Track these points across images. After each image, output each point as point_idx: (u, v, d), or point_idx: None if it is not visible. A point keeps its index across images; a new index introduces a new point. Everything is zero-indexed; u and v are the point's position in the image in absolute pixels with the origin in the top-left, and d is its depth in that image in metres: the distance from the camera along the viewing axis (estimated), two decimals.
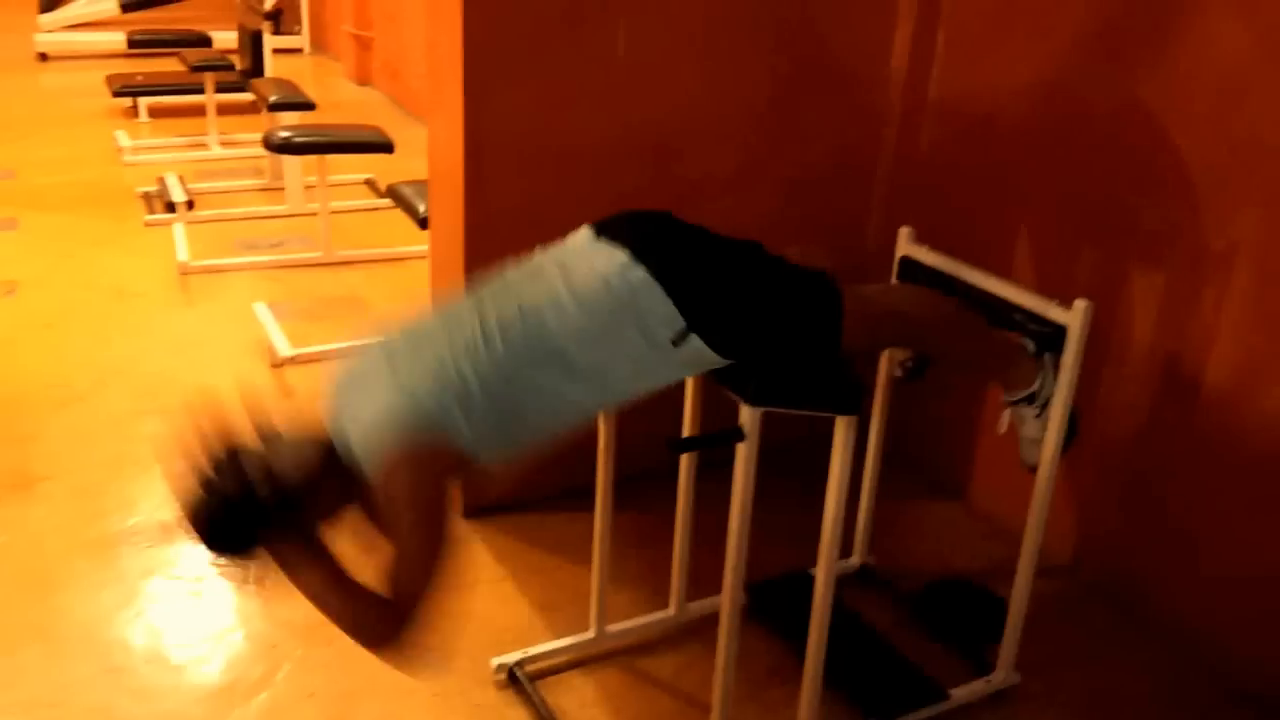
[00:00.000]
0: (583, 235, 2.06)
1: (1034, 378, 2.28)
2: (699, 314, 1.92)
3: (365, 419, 1.87)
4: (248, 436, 1.84)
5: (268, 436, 1.87)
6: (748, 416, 2.02)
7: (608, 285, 1.92)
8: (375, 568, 1.79)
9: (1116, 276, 2.69)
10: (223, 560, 1.78)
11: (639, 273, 1.92)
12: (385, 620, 1.78)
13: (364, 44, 8.81)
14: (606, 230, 2.03)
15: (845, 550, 2.77)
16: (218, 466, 1.78)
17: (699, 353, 1.95)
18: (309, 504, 1.84)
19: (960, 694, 2.44)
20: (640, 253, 1.94)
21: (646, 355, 1.93)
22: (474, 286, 2.02)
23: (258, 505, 1.76)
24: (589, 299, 1.91)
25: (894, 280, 2.56)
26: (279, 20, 9.85)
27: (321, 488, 1.85)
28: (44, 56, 9.25)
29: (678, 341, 1.92)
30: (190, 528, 1.80)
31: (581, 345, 1.89)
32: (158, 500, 3.12)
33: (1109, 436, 2.73)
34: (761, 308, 2.03)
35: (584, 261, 1.98)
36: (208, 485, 1.77)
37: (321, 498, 1.86)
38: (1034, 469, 2.32)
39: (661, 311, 1.91)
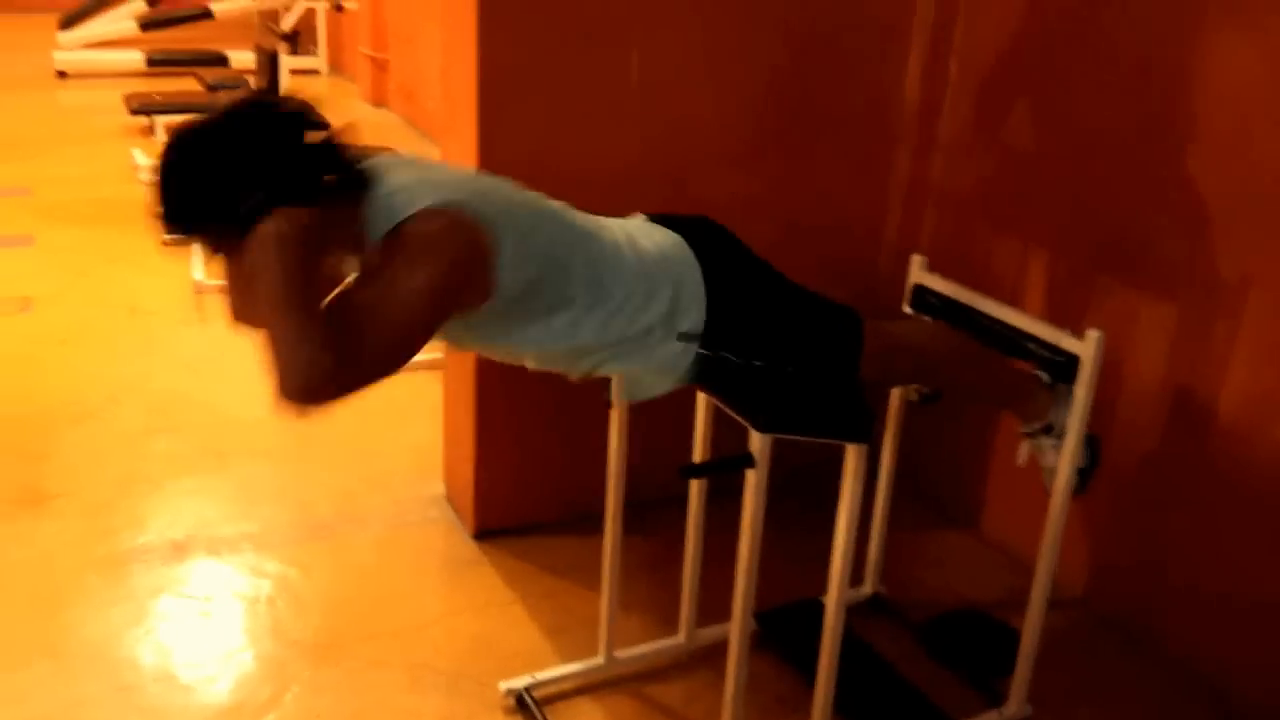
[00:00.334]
0: (638, 217, 2.13)
1: (1049, 409, 2.28)
2: (717, 326, 1.96)
3: (419, 177, 1.81)
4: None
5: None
6: (758, 443, 2.01)
7: (664, 251, 2.00)
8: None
9: (1129, 307, 2.69)
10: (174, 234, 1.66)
11: (690, 258, 2.00)
12: (321, 361, 1.62)
13: (380, 65, 8.87)
14: (660, 219, 2.11)
15: (856, 578, 2.76)
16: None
17: (682, 362, 2.00)
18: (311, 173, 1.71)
19: None
20: (694, 243, 2.03)
21: (654, 329, 1.96)
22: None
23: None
24: (647, 250, 1.99)
25: (906, 309, 2.56)
26: (296, 41, 9.98)
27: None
28: (62, 74, 9.34)
29: (685, 337, 1.97)
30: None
31: (618, 270, 1.93)
32: (169, 519, 3.13)
33: (1122, 468, 2.72)
34: (787, 332, 2.07)
35: (646, 230, 2.06)
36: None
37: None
38: None
39: (691, 301, 1.97)
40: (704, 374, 2.04)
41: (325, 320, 1.65)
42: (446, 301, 1.76)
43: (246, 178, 1.66)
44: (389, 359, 1.72)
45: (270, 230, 1.63)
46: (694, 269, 1.99)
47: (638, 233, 2.04)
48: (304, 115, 1.75)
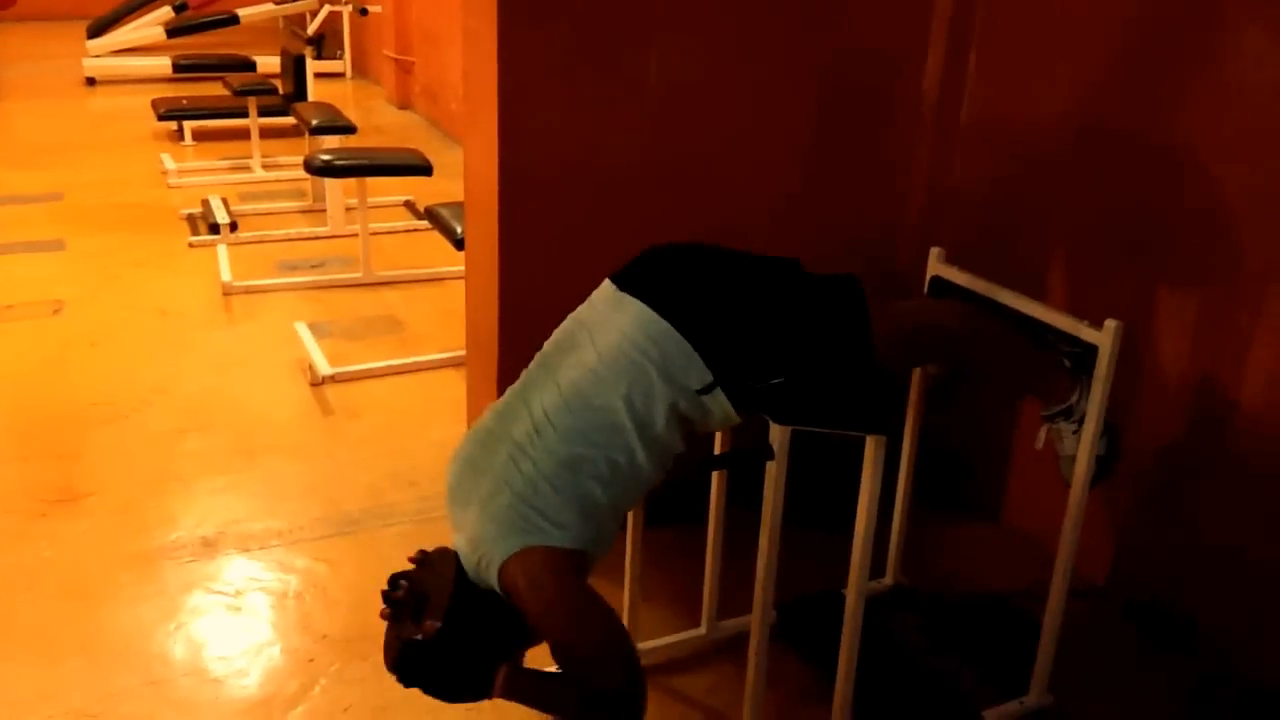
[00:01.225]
0: (606, 291, 2.08)
1: (1071, 392, 2.27)
2: (724, 368, 1.95)
3: (463, 545, 1.95)
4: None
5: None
6: (776, 435, 2.03)
7: (633, 343, 1.95)
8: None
9: (1150, 297, 2.69)
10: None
11: (661, 325, 1.95)
12: (613, 707, 1.87)
13: (404, 68, 8.92)
14: (627, 282, 2.06)
15: (877, 570, 2.77)
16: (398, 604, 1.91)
17: (724, 406, 1.97)
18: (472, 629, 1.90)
19: (993, 715, 2.43)
20: (661, 305, 1.97)
21: (678, 404, 1.94)
22: (522, 373, 2.07)
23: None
24: (618, 360, 1.94)
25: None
26: (321, 45, 10.05)
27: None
28: (91, 81, 9.44)
29: (704, 391, 1.95)
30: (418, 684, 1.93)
31: (621, 408, 1.91)
32: (199, 516, 3.17)
33: (1143, 456, 2.72)
34: (789, 348, 2.03)
35: (609, 320, 2.01)
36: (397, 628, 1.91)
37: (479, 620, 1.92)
38: None
39: (687, 362, 1.94)
40: (750, 405, 2.03)
41: (574, 689, 1.88)
42: (576, 597, 1.88)
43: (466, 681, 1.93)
44: (620, 658, 1.89)
45: (501, 687, 1.90)
46: (670, 336, 1.94)
47: (605, 329, 2.00)
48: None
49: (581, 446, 1.90)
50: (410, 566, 1.98)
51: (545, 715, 1.97)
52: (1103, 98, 2.76)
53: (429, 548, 2.00)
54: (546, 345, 2.07)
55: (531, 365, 2.06)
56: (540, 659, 1.97)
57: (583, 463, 1.89)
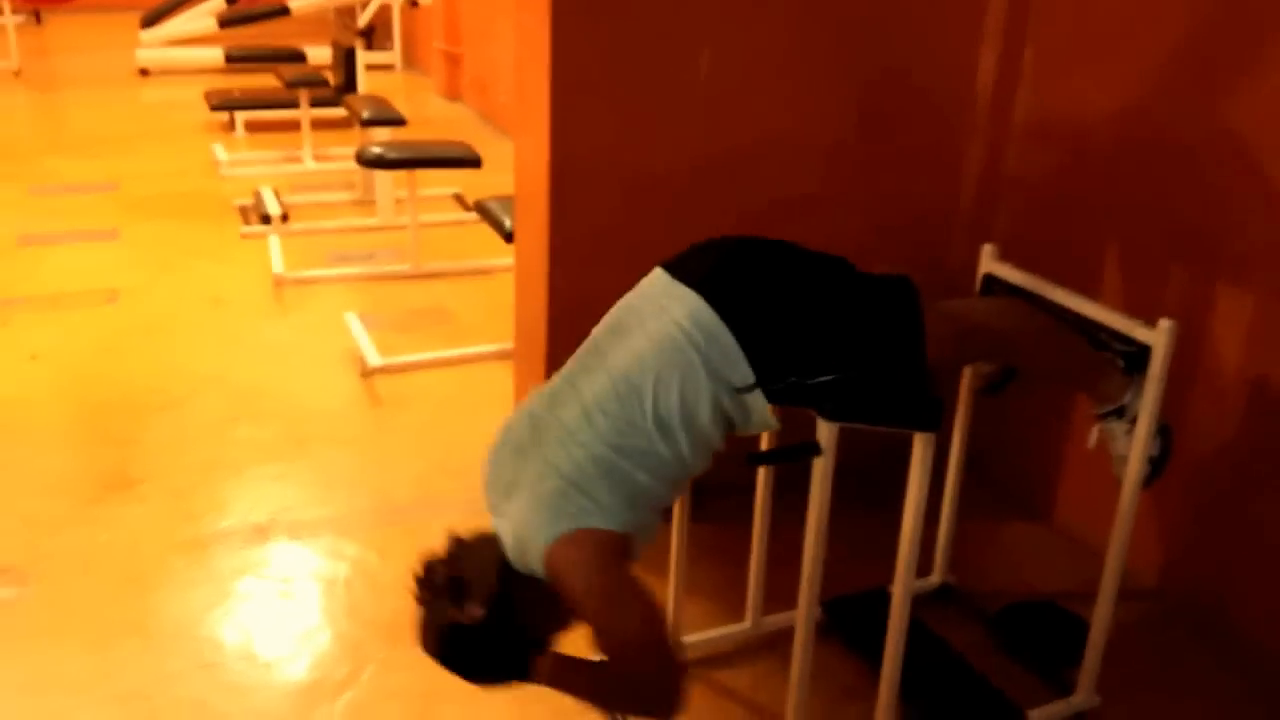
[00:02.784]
0: (657, 277, 2.08)
1: (1124, 391, 2.25)
2: (768, 369, 1.95)
3: (505, 528, 1.96)
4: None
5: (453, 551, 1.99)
6: (824, 431, 2.03)
7: (684, 331, 1.94)
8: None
9: (1205, 297, 2.66)
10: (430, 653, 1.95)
11: (712, 318, 1.95)
12: (649, 694, 1.87)
13: (454, 60, 8.97)
14: (681, 270, 2.06)
15: (925, 568, 2.76)
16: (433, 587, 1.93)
17: (762, 409, 1.98)
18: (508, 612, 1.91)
19: (1038, 715, 2.42)
20: (714, 297, 1.97)
21: (721, 399, 1.94)
22: (570, 358, 2.07)
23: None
24: (666, 348, 1.94)
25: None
26: (372, 37, 10.12)
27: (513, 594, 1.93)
28: (144, 72, 9.56)
29: (744, 390, 1.95)
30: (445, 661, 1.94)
31: (668, 397, 1.91)
32: (250, 503, 3.22)
33: (1196, 457, 2.69)
34: (841, 346, 2.02)
35: (659, 308, 2.00)
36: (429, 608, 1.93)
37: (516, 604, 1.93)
38: None
39: (732, 359, 1.93)
40: (787, 399, 2.02)
41: (613, 675, 1.87)
42: (631, 584, 1.88)
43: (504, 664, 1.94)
44: (656, 644, 1.88)
45: (541, 673, 1.93)
46: (720, 329, 1.94)
47: (655, 316, 1.99)
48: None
49: (630, 435, 1.91)
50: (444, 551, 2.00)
51: (585, 702, 1.98)
52: (1159, 95, 2.73)
53: (465, 533, 2.02)
54: (596, 330, 2.08)
55: (580, 350, 2.07)
56: (579, 648, 1.98)
57: (631, 451, 1.90)
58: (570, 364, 2.06)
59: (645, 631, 1.86)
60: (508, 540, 1.94)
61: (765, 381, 1.95)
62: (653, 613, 1.88)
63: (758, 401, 1.96)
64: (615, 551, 1.87)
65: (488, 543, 1.97)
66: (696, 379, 1.92)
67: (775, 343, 1.97)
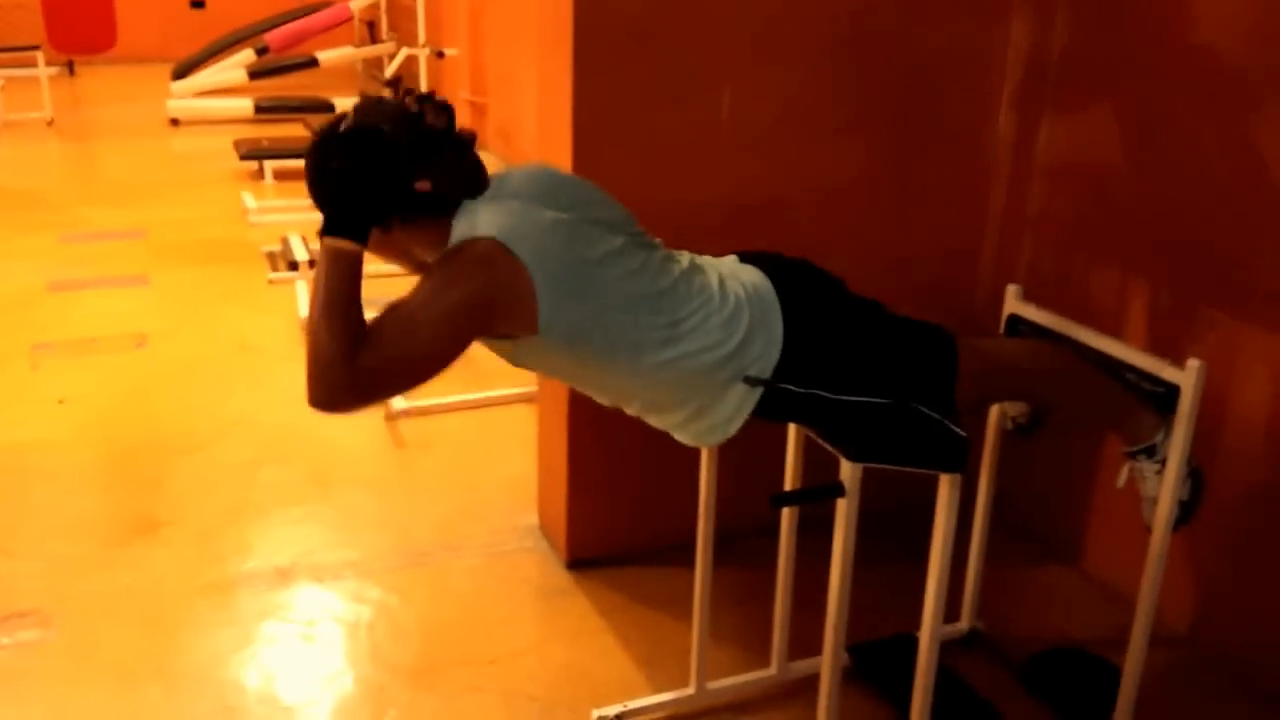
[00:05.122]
0: (730, 257, 2.17)
1: (1155, 431, 2.23)
2: (794, 372, 1.97)
3: (503, 208, 1.90)
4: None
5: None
6: (848, 472, 2.02)
7: (747, 292, 2.01)
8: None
9: (1234, 337, 2.63)
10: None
11: (772, 296, 2.01)
12: (343, 364, 1.73)
13: (479, 109, 9.05)
14: (751, 258, 2.14)
15: (953, 613, 2.72)
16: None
17: (735, 409, 2.00)
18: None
19: None
20: (779, 284, 2.04)
21: (722, 367, 1.96)
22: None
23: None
24: (732, 290, 2.00)
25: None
26: (399, 87, 10.21)
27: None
28: (175, 121, 9.68)
29: (749, 381, 1.96)
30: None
31: (700, 310, 1.95)
32: (274, 546, 3.22)
33: (1229, 501, 2.65)
34: (874, 366, 2.05)
35: (731, 270, 2.09)
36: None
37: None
38: None
39: (768, 342, 1.97)
40: (786, 412, 2.05)
41: (353, 330, 1.76)
42: (469, 324, 1.82)
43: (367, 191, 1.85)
44: (408, 370, 1.79)
45: (331, 244, 1.80)
46: (775, 310, 2.00)
47: (728, 273, 2.07)
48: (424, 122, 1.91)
49: (674, 303, 1.95)
50: None
51: (322, 297, 1.81)
52: (1182, 132, 2.73)
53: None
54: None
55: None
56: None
57: (658, 304, 1.94)
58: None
59: (413, 349, 1.78)
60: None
61: (782, 379, 1.96)
62: (435, 362, 1.79)
63: (745, 400, 1.98)
64: (499, 284, 1.81)
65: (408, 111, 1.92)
66: (733, 331, 1.95)
67: (814, 347, 2.00)
